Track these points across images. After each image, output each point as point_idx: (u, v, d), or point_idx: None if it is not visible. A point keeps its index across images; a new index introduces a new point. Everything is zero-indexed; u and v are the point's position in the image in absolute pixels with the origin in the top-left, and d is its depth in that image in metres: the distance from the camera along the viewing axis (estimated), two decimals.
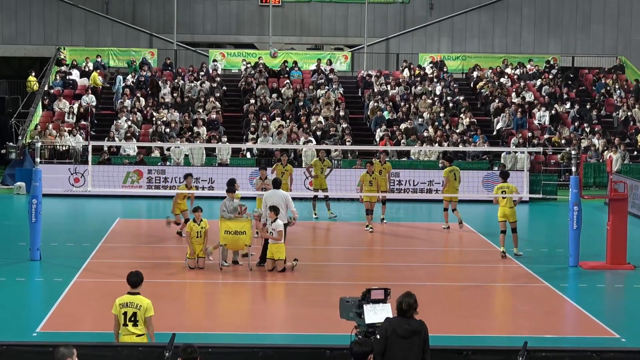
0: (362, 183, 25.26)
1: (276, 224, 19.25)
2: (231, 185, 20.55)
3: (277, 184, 20.49)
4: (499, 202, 21.34)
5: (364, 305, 10.04)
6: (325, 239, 25.39)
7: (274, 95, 38.34)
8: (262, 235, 20.00)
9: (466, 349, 10.68)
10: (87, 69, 39.99)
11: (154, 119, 35.89)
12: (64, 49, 41.52)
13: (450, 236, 25.05)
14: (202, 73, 39.98)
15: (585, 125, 37.13)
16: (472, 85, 41.51)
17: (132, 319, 11.23)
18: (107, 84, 39.52)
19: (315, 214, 27.06)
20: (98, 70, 39.79)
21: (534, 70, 42.03)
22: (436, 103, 38.00)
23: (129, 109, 36.45)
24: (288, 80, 39.69)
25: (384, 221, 26.32)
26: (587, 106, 39.32)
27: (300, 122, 35.78)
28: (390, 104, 38.19)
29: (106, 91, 39.39)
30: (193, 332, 14.60)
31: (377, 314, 9.96)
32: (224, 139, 33.59)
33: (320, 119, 36.29)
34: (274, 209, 19.30)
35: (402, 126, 35.74)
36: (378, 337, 9.66)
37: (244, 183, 29.62)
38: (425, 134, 35.42)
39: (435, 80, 40.41)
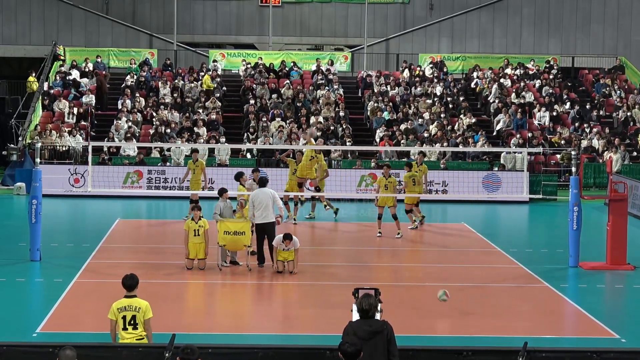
0: (378, 186, 24.84)
1: (293, 243, 19.08)
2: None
3: (262, 183, 20.34)
4: (406, 190, 24.01)
5: (353, 304, 10.04)
6: (325, 239, 25.35)
7: (274, 96, 38.33)
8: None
9: (466, 349, 10.67)
10: (87, 69, 39.97)
11: (154, 119, 35.87)
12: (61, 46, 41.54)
13: (450, 237, 25.04)
14: (202, 73, 39.96)
15: (585, 125, 37.12)
16: (471, 86, 41.49)
17: (132, 322, 11.14)
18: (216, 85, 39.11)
19: (310, 214, 27.00)
20: (210, 73, 39.56)
21: (535, 70, 42.00)
22: (436, 103, 37.98)
23: (129, 109, 36.43)
24: (288, 81, 39.69)
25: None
26: (587, 106, 39.31)
27: (300, 123, 35.76)
28: (390, 104, 38.17)
29: (108, 91, 39.34)
30: (193, 333, 14.60)
31: None
32: (222, 139, 33.54)
33: (320, 119, 36.27)
34: (288, 237, 19.03)
35: (402, 127, 35.72)
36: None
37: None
38: (425, 134, 35.40)
39: (435, 80, 40.39)
